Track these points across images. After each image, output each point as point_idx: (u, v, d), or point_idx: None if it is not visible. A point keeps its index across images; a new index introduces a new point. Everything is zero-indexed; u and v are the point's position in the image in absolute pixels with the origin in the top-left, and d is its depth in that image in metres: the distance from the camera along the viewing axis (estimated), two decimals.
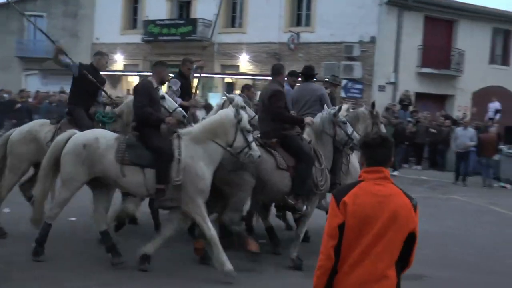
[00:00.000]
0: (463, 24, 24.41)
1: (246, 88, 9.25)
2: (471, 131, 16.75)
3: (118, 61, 28.99)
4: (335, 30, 22.77)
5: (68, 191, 6.29)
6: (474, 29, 24.48)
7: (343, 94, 21.03)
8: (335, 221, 3.13)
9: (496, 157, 17.14)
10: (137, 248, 6.30)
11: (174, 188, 6.16)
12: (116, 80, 29.03)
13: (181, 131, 6.42)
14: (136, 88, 7.08)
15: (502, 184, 16.28)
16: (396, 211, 3.10)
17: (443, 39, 24.24)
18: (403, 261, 3.18)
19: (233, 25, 26.86)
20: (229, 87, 27.04)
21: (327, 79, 10.10)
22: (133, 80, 28.90)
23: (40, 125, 7.49)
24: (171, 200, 6.24)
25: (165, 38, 27.03)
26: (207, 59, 26.84)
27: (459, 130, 17.03)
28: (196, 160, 6.17)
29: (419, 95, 22.92)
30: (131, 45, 28.64)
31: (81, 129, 6.81)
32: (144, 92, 6.53)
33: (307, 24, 24.39)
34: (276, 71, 7.31)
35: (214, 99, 23.76)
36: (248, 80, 24.44)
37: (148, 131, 6.35)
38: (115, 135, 6.44)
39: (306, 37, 23.86)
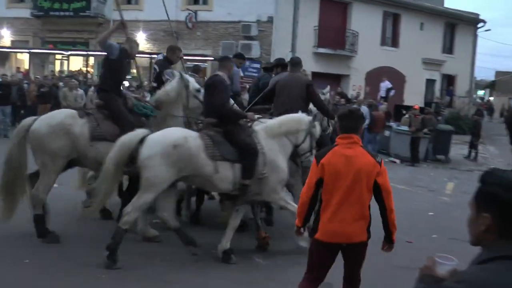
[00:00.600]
0: (356, 6, 25.26)
1: (198, 70, 9.04)
2: (364, 109, 17.41)
3: (5, 36, 27.21)
4: (232, 9, 22.73)
5: (151, 194, 5.90)
6: (366, 12, 25.43)
7: (241, 73, 21.06)
8: (314, 177, 4.12)
9: (386, 133, 18.02)
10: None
11: (257, 182, 6.31)
12: (3, 57, 27.27)
13: (256, 126, 6.69)
14: (213, 84, 6.57)
15: (392, 159, 17.11)
16: (360, 168, 4.04)
17: (338, 21, 24.96)
18: (381, 207, 4.15)
19: (129, 2, 26.03)
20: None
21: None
22: (23, 57, 27.34)
23: (71, 118, 6.63)
24: (257, 194, 6.43)
25: (56, 13, 25.68)
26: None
27: None
28: (275, 152, 6.42)
29: (315, 75, 23.41)
30: (19, 20, 26.89)
31: (124, 127, 6.49)
32: (224, 88, 6.49)
33: (205, 2, 24.13)
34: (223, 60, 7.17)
35: None
36: (145, 59, 23.93)
37: (233, 127, 6.39)
38: (195, 132, 6.32)
39: (204, 15, 23.63)
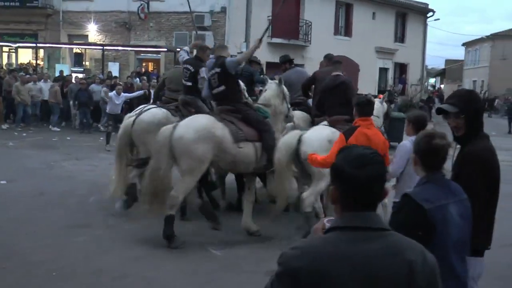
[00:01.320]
0: None
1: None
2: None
3: None
4: None
5: (324, 182, 6.60)
6: (319, 2, 25.62)
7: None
8: (337, 146, 5.00)
9: None
10: None
11: None
12: None
13: None
14: (350, 85, 7.38)
15: None
16: (378, 144, 5.05)
17: (292, 11, 25.02)
18: None
19: None
20: (78, 57, 25.72)
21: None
22: None
23: (213, 122, 6.72)
24: None
25: (2, 3, 24.82)
26: (52, 28, 25.22)
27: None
28: None
29: (270, 64, 23.47)
30: None
31: (262, 129, 6.98)
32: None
33: None
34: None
35: (66, 70, 22.49)
36: (98, 51, 23.46)
37: None
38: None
39: (156, 6, 23.30)
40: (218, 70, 6.95)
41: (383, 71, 30.48)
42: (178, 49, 21.31)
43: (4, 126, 15.22)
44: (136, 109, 8.31)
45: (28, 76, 18.60)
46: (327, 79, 7.55)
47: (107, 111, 14.46)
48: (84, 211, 7.89)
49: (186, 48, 8.79)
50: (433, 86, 59.24)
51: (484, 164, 3.15)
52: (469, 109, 3.28)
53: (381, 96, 9.61)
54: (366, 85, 27.12)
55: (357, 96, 7.03)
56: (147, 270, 5.76)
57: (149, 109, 8.02)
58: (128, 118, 7.92)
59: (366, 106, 5.27)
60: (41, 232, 6.80)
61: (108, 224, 7.34)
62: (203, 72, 7.48)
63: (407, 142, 4.99)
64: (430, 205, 2.60)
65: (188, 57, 8.26)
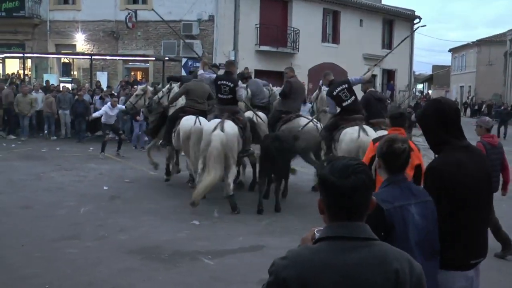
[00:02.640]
0: (296, 4, 25.51)
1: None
2: (308, 105, 17.65)
3: None
4: (173, 8, 22.46)
5: None
6: (306, 9, 25.73)
7: (183, 72, 20.89)
8: (370, 154, 5.11)
9: None
10: None
11: None
12: None
13: None
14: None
15: None
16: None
17: (279, 18, 25.12)
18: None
19: (66, 2, 25.30)
20: (66, 67, 25.58)
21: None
22: None
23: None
24: None
25: None
26: (39, 38, 25.09)
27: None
28: None
29: (258, 72, 23.46)
30: None
31: None
32: None
33: (144, 1, 23.74)
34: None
35: (52, 80, 22.33)
36: (86, 60, 23.34)
37: None
38: None
39: (144, 15, 23.21)
40: (345, 86, 9.02)
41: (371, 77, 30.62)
42: (167, 58, 21.48)
43: (102, 156, 14.74)
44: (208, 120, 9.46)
45: (28, 87, 18.57)
46: (371, 93, 9.85)
47: (102, 121, 14.56)
48: (74, 223, 7.81)
49: (199, 65, 10.47)
50: (421, 92, 59.58)
51: (441, 179, 2.99)
52: (423, 119, 3.23)
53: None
54: (355, 91, 27.22)
55: (391, 108, 8.44)
56: (138, 281, 5.70)
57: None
58: (215, 131, 8.68)
59: (398, 119, 5.65)
60: (30, 245, 6.71)
61: (98, 235, 7.26)
62: (241, 85, 9.30)
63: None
64: (389, 206, 2.69)
65: (206, 73, 9.59)
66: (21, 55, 23.69)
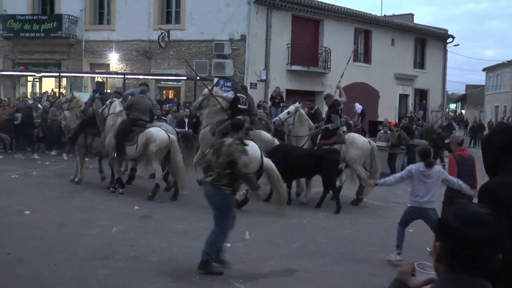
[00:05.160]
0: (328, 23, 25.50)
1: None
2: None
3: None
4: (205, 28, 22.74)
5: None
6: (338, 29, 25.69)
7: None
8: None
9: None
10: None
11: None
12: None
13: None
14: None
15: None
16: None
17: (310, 38, 25.13)
18: None
19: (101, 22, 25.83)
20: (100, 86, 25.99)
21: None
22: None
23: None
24: None
25: (27, 34, 25.37)
26: (75, 57, 25.62)
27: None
28: None
29: (289, 92, 23.53)
30: None
31: None
32: None
33: (177, 21, 24.06)
34: None
35: (85, 98, 22.62)
36: (119, 79, 23.70)
37: None
38: None
39: (176, 34, 23.55)
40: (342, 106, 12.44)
41: (403, 97, 30.33)
42: (198, 77, 21.65)
43: (66, 157, 15.23)
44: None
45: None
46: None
47: None
48: (106, 242, 7.84)
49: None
50: (454, 112, 58.70)
51: (496, 199, 2.78)
52: (488, 141, 3.12)
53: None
54: (386, 111, 26.99)
55: (455, 135, 9.38)
56: None
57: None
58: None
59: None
60: (62, 264, 6.75)
61: (129, 255, 7.26)
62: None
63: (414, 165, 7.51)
64: None
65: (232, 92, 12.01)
66: (57, 74, 24.22)
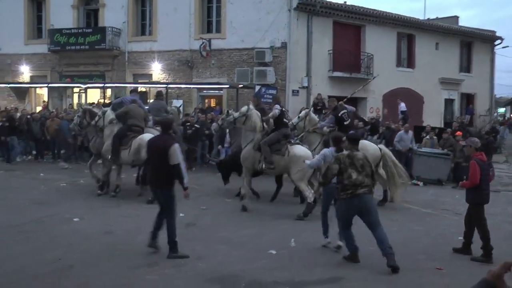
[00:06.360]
0: (369, 28, 25.17)
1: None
2: (410, 133, 18.24)
3: (24, 72, 27.62)
4: (245, 36, 22.79)
5: None
6: (380, 34, 25.34)
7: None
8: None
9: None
10: None
11: None
12: (23, 92, 27.58)
13: None
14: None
15: (414, 181, 16.66)
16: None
17: (352, 44, 24.85)
18: None
19: (143, 33, 26.25)
20: (142, 96, 26.39)
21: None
22: (42, 92, 27.59)
23: None
24: None
25: (73, 47, 25.99)
26: (118, 68, 26.10)
27: (402, 133, 18.01)
28: None
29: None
30: (37, 56, 27.35)
31: None
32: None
33: (218, 30, 24.19)
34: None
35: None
36: (161, 89, 23.96)
37: None
38: None
39: (217, 43, 23.68)
40: (345, 111, 12.37)
41: (448, 102, 29.63)
42: (240, 85, 21.74)
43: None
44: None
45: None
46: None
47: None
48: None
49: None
50: (503, 116, 56.96)
51: None
52: None
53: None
54: (432, 116, 26.42)
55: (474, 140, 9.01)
56: None
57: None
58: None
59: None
60: (110, 271, 6.79)
61: (176, 263, 7.25)
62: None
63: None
64: None
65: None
66: (102, 85, 24.72)
